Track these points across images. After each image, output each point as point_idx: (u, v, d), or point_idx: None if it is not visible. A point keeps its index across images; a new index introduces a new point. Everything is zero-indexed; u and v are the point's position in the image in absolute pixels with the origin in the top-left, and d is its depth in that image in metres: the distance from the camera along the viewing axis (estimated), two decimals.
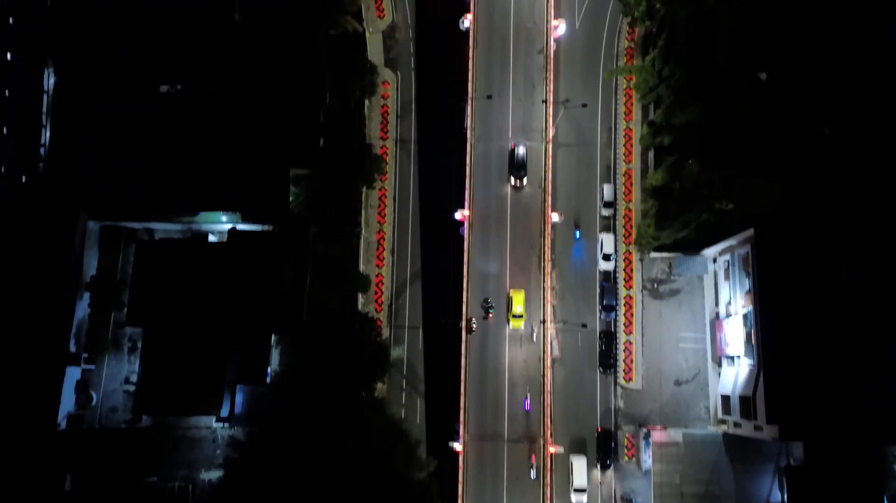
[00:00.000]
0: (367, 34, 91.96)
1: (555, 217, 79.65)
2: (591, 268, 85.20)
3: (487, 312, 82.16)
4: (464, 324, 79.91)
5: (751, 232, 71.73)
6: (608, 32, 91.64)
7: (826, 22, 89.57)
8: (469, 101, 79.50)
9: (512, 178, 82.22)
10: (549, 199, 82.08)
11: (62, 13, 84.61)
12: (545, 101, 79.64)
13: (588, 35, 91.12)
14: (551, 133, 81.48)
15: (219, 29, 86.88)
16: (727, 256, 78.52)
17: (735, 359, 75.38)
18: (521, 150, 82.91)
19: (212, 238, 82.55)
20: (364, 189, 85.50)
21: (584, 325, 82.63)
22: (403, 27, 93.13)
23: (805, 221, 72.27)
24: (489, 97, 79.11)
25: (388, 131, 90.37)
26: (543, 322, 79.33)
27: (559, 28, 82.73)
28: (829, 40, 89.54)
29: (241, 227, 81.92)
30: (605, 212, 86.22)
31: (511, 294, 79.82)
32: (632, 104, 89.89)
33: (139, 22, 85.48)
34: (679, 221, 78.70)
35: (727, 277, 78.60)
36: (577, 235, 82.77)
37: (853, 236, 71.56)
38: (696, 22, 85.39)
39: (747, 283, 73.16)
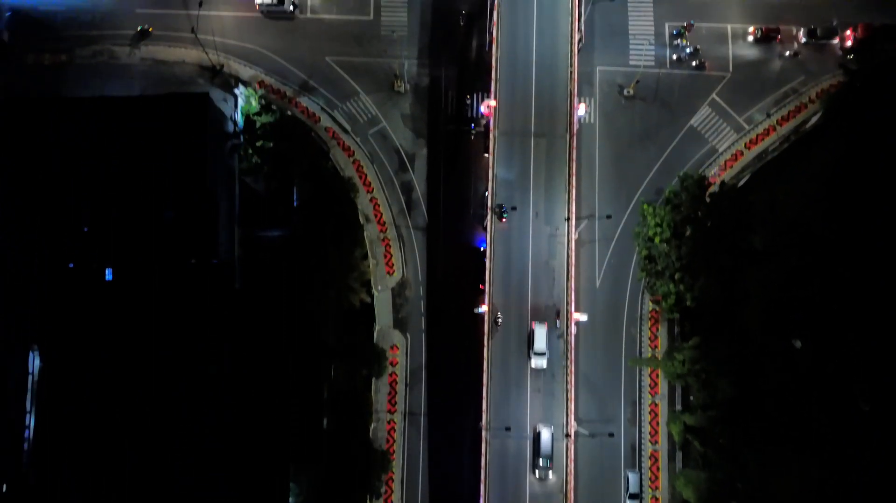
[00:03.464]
0: (376, 293, 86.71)
1: None
2: None
3: (501, 216, 78.15)
4: None
5: None
6: (630, 293, 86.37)
7: (861, 289, 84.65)
8: (484, 430, 73.50)
9: (536, 472, 75.28)
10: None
11: (49, 296, 79.41)
12: (567, 436, 73.72)
13: (609, 296, 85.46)
14: (572, 429, 75.46)
15: (217, 300, 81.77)
16: None
17: None
18: (545, 438, 75.69)
19: None
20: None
21: None
22: (413, 284, 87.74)
23: None
24: (507, 429, 73.25)
25: (395, 403, 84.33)
26: None
27: (581, 318, 77.36)
28: (862, 308, 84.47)
29: None
30: None
31: None
32: (657, 376, 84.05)
33: (129, 298, 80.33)
34: None
35: None
36: None
37: None
38: (729, 297, 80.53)
39: None
